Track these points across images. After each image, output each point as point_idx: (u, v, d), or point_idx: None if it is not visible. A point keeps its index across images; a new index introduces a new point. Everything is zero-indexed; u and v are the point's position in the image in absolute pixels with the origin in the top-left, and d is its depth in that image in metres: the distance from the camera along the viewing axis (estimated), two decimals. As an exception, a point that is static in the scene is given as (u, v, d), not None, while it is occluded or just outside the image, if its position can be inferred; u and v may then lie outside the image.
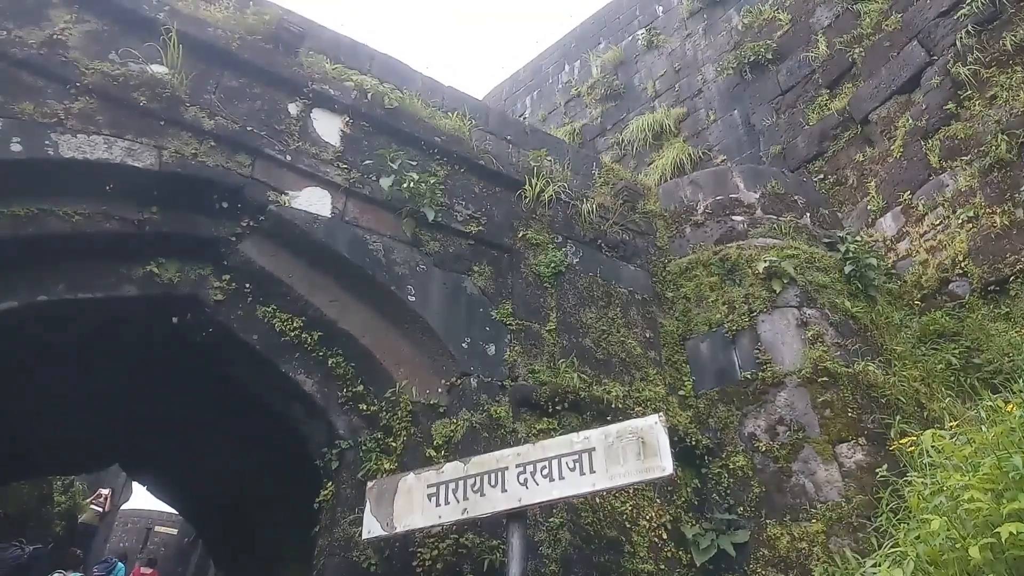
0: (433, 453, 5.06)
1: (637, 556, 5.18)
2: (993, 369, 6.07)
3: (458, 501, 4.11)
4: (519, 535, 3.95)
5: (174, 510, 13.47)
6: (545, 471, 3.99)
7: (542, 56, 16.36)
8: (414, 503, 4.24)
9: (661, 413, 4.10)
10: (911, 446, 4.27)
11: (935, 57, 8.62)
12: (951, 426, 4.27)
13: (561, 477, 3.95)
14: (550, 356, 5.92)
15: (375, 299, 5.62)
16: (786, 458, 5.60)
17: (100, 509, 15.20)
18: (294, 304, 5.54)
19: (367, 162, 5.88)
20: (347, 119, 6.03)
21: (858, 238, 7.29)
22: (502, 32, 49.07)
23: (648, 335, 6.65)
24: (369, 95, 6.15)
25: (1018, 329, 6.39)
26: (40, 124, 4.66)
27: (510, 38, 48.88)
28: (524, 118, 15.22)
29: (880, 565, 3.43)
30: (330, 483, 5.40)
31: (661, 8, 14.25)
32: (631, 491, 5.40)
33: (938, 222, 7.85)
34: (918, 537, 3.31)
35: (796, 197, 7.75)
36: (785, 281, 6.42)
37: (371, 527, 4.33)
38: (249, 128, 5.47)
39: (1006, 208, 7.16)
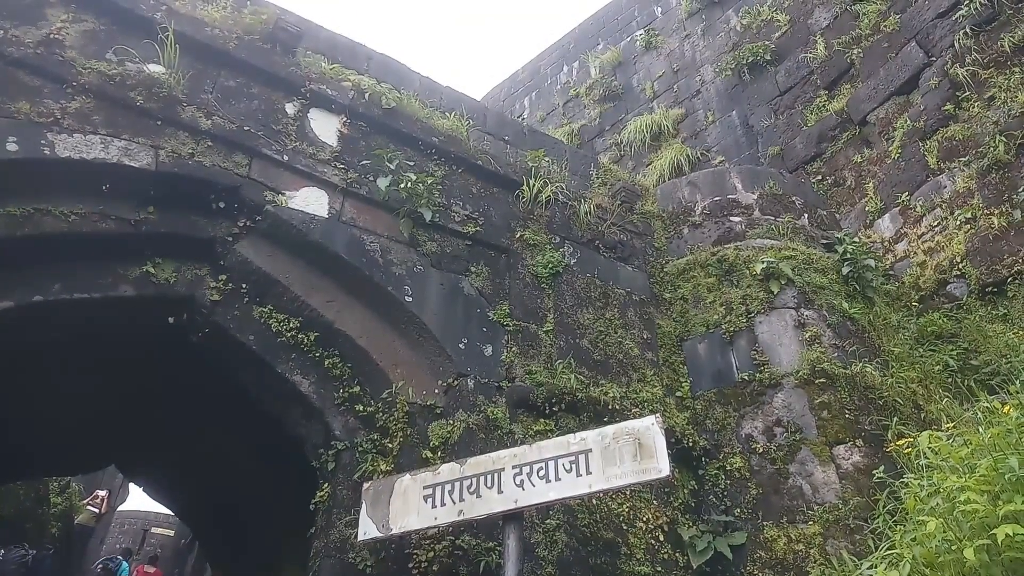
0: (429, 454, 5.06)
1: (634, 558, 5.18)
2: (991, 371, 6.06)
3: (454, 503, 4.10)
4: (515, 537, 3.93)
5: (170, 511, 13.47)
6: (542, 472, 3.98)
7: (540, 57, 16.36)
8: (410, 505, 4.23)
9: (658, 414, 4.09)
10: (908, 448, 4.27)
11: (933, 58, 8.62)
12: (948, 427, 4.27)
13: (558, 479, 3.94)
14: (547, 357, 5.92)
15: (372, 300, 5.61)
16: (783, 460, 5.59)
17: (96, 510, 15.20)
18: (291, 304, 5.53)
19: (364, 162, 5.87)
20: (344, 119, 6.02)
21: (856, 239, 7.29)
22: (501, 33, 49.11)
23: (646, 336, 6.65)
24: (366, 95, 6.14)
25: (1015, 331, 6.39)
26: (36, 123, 4.65)
27: (509, 39, 48.91)
28: (522, 119, 15.22)
29: (876, 567, 3.43)
30: (326, 484, 5.39)
31: (659, 9, 14.25)
32: (628, 493, 5.40)
33: (936, 223, 7.84)
34: (914, 539, 3.30)
35: (794, 198, 7.75)
36: (783, 282, 6.42)
37: (367, 528, 4.32)
38: (246, 128, 5.46)
39: (1004, 209, 7.16)
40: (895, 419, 5.43)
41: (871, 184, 8.79)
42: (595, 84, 14.34)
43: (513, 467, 4.07)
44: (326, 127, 5.90)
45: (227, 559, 10.55)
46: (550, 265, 6.44)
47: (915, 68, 8.81)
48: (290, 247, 5.51)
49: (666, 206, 7.89)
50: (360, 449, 5.28)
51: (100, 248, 5.06)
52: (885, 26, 9.44)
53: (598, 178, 7.83)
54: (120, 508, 20.26)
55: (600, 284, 6.72)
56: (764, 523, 5.44)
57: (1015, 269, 6.83)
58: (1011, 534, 2.74)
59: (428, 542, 4.69)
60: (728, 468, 5.82)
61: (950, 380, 6.23)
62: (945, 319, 6.99)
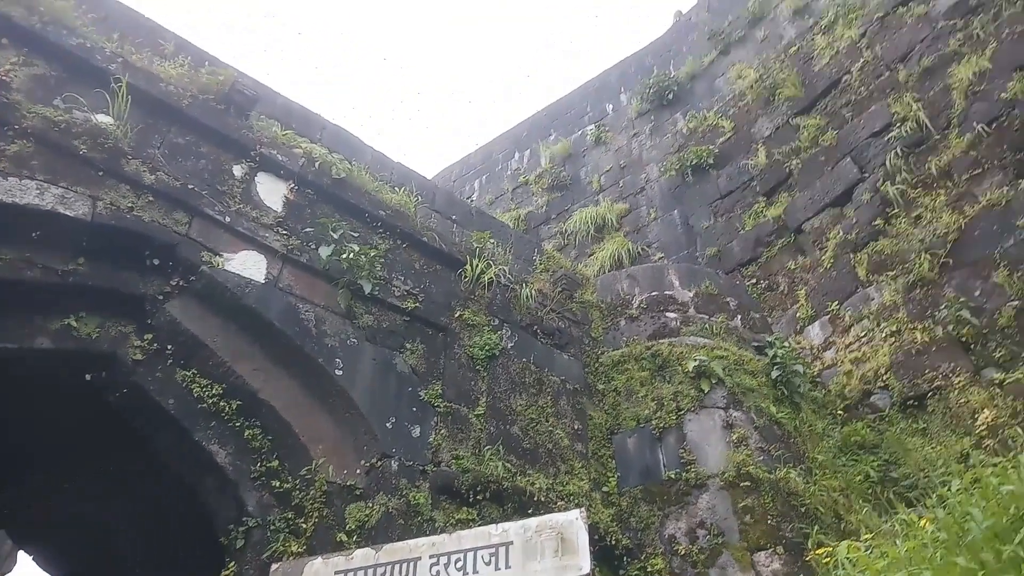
0: (345, 538, 4.87)
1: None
2: (909, 483, 6.20)
3: (366, 590, 3.95)
4: (427, 631, 3.79)
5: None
6: (459, 564, 3.87)
7: (493, 143, 16.72)
8: (320, 589, 4.06)
9: (583, 509, 4.04)
10: (827, 557, 4.29)
11: (867, 174, 9.08)
12: (867, 539, 4.31)
13: (475, 571, 3.83)
14: (476, 442, 5.84)
15: (301, 371, 5.49)
16: (704, 563, 5.55)
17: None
18: (216, 370, 5.36)
19: (308, 230, 5.82)
20: (292, 185, 5.99)
21: (786, 344, 7.48)
22: (460, 116, 50.17)
23: (576, 427, 6.63)
24: (317, 164, 6.14)
25: (934, 445, 6.57)
26: (-32, 164, 4.51)
27: (467, 122, 49.96)
28: (472, 200, 15.42)
29: None
30: (232, 563, 5.13)
31: (611, 107, 14.76)
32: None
33: (863, 334, 8.11)
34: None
35: (729, 299, 7.95)
36: (713, 381, 6.51)
37: (273, 612, 4.12)
38: (191, 186, 5.38)
39: (927, 325, 7.45)
40: (816, 527, 5.47)
41: (803, 291, 9.09)
42: (545, 173, 14.67)
43: (430, 556, 3.95)
44: (272, 192, 5.86)
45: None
46: (487, 347, 6.42)
47: (849, 182, 9.26)
48: (222, 310, 5.38)
49: (605, 297, 8.00)
50: (272, 528, 5.06)
51: (22, 296, 4.87)
52: (823, 140, 9.93)
53: (541, 264, 7.91)
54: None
55: (535, 370, 6.71)
56: (683, 627, 5.36)
57: (935, 384, 7.08)
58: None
59: (336, 630, 4.48)
60: (649, 569, 5.74)
61: (871, 491, 6.34)
62: (868, 430, 7.16)
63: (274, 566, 4.37)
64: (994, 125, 7.87)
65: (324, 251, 5.73)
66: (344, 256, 5.76)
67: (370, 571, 4.00)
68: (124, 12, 6.17)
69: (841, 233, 9.02)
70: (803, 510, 5.74)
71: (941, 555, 3.23)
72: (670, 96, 13.40)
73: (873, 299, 8.23)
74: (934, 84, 8.82)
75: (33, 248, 4.83)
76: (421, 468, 5.43)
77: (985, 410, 6.47)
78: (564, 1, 49.72)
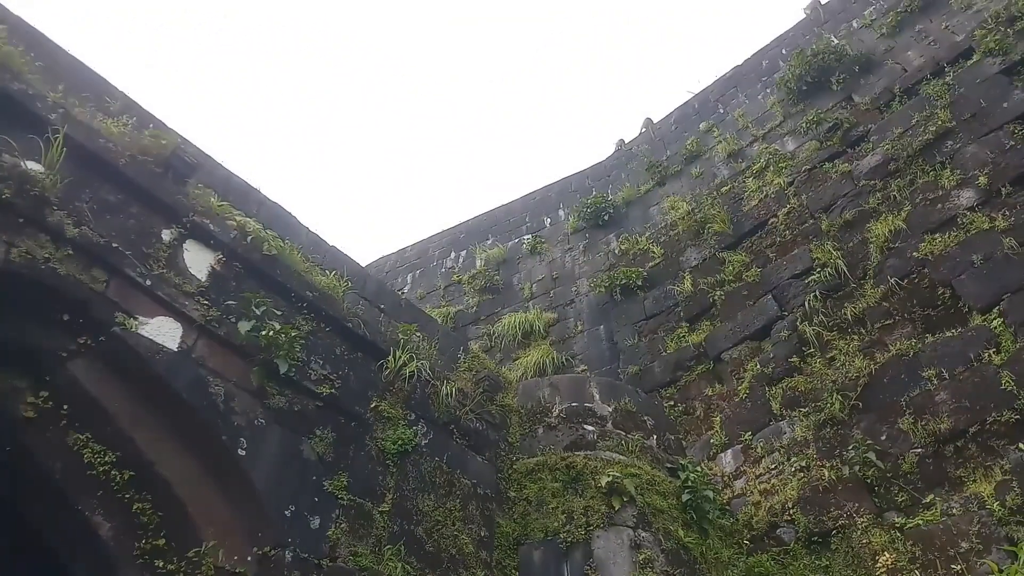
0: (226, 629, 4.55)
1: None
2: (809, 622, 6.16)
3: None
4: None
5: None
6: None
7: (431, 239, 16.87)
8: None
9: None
10: None
11: (786, 313, 9.42)
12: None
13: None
14: (377, 540, 5.60)
15: (203, 447, 5.23)
16: None
17: None
18: (112, 437, 5.07)
19: (230, 303, 5.68)
20: (220, 256, 5.87)
21: (699, 469, 7.51)
22: (399, 210, 50.80)
23: (483, 534, 6.44)
24: (249, 238, 6.07)
25: (835, 584, 6.59)
26: None
27: (406, 216, 50.58)
28: (403, 292, 15.39)
29: None
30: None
31: (549, 220, 15.15)
32: None
33: (773, 467, 8.21)
34: None
35: (646, 418, 8.00)
36: (625, 499, 6.46)
37: None
38: (115, 245, 5.22)
39: (835, 464, 7.60)
40: (715, 659, 5.35)
41: (719, 418, 9.21)
42: (479, 274, 14.80)
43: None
44: (199, 261, 5.73)
45: None
46: (400, 442, 6.26)
47: (769, 319, 9.57)
48: (129, 375, 5.14)
49: (526, 403, 7.96)
50: (148, 613, 4.70)
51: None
52: (747, 276, 10.31)
53: (465, 363, 7.86)
54: None
55: (448, 471, 6.56)
56: None
57: (839, 523, 7.16)
58: None
59: None
60: None
61: (771, 626, 6.28)
62: (772, 562, 7.15)
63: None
64: (906, 280, 8.32)
65: (244, 326, 5.59)
66: (264, 333, 5.62)
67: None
68: (73, 65, 6.13)
69: (758, 366, 9.25)
70: (704, 641, 5.63)
71: None
72: (606, 217, 13.83)
73: (785, 433, 8.38)
74: (853, 236, 9.32)
75: (-69, 290, 4.58)
76: (316, 562, 5.16)
77: (885, 553, 6.55)
78: (518, 117, 51.68)
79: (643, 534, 6.31)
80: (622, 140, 15.65)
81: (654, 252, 12.22)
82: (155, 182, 5.68)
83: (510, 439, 7.49)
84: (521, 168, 48.48)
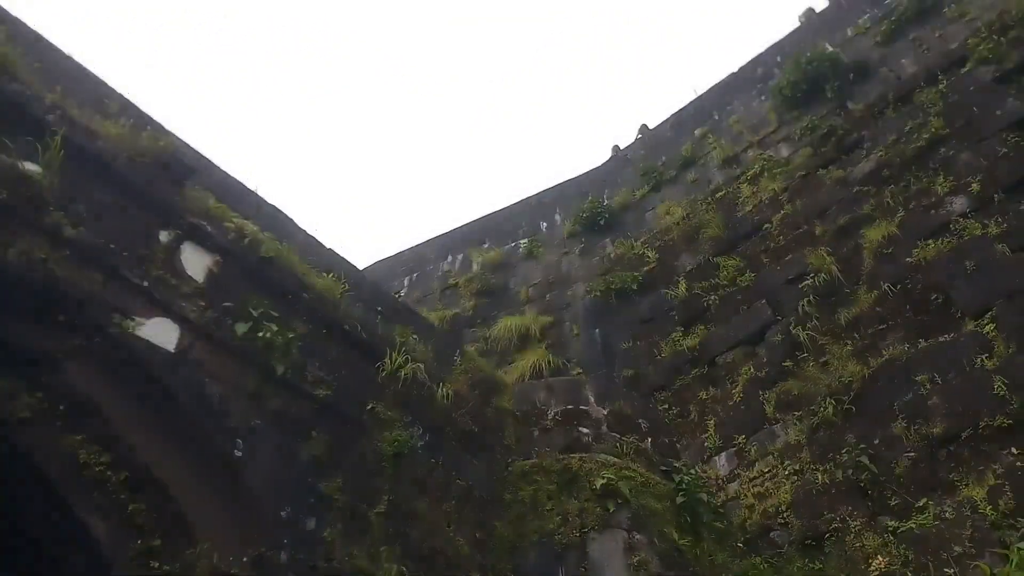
0: (221, 630, 4.56)
1: None
2: (803, 624, 6.19)
3: None
4: None
5: None
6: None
7: (428, 243, 16.88)
8: None
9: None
10: None
11: (780, 317, 9.46)
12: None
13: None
14: (373, 542, 5.61)
15: (199, 448, 5.24)
16: None
17: None
18: (108, 438, 5.07)
19: (227, 304, 5.69)
20: (217, 258, 5.89)
21: (693, 471, 7.54)
22: (397, 212, 50.83)
23: (478, 536, 6.46)
24: (246, 240, 6.08)
25: (828, 587, 6.62)
26: None
27: (403, 219, 50.64)
28: (400, 295, 15.39)
29: None
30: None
31: (545, 225, 15.18)
32: None
33: (767, 470, 8.24)
34: None
35: (641, 421, 8.03)
36: (619, 501, 6.48)
37: None
38: (112, 246, 5.23)
39: (828, 468, 7.63)
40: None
41: (713, 421, 9.24)
42: (475, 278, 14.81)
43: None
44: (196, 262, 5.75)
45: None
46: (396, 444, 6.28)
47: (763, 323, 9.61)
48: (125, 376, 5.15)
49: (521, 406, 7.98)
50: (143, 613, 4.70)
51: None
52: (741, 281, 10.35)
53: (462, 365, 7.88)
54: None
55: (443, 473, 6.57)
56: None
57: (833, 526, 7.19)
58: None
59: None
60: None
61: (765, 629, 6.30)
62: (766, 565, 7.17)
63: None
64: (899, 286, 8.35)
65: (240, 328, 5.60)
66: (260, 335, 5.64)
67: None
68: (71, 66, 6.15)
69: (752, 370, 9.28)
70: (698, 643, 5.65)
71: None
72: (601, 222, 13.86)
73: (779, 437, 8.41)
74: (847, 242, 9.36)
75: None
76: (312, 564, 5.18)
77: (879, 556, 6.58)
78: (514, 121, 51.78)
79: (637, 536, 6.33)
80: (617, 146, 15.70)
81: (649, 257, 12.25)
82: (152, 184, 5.69)
83: (506, 441, 7.51)
84: (518, 172, 48.57)
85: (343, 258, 7.79)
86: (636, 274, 12.03)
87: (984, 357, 7.07)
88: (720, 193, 12.12)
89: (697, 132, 13.64)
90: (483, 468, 7.04)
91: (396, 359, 6.71)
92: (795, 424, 8.27)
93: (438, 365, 7.40)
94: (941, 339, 7.59)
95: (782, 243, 10.26)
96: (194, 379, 5.31)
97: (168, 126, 6.63)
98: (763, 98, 12.80)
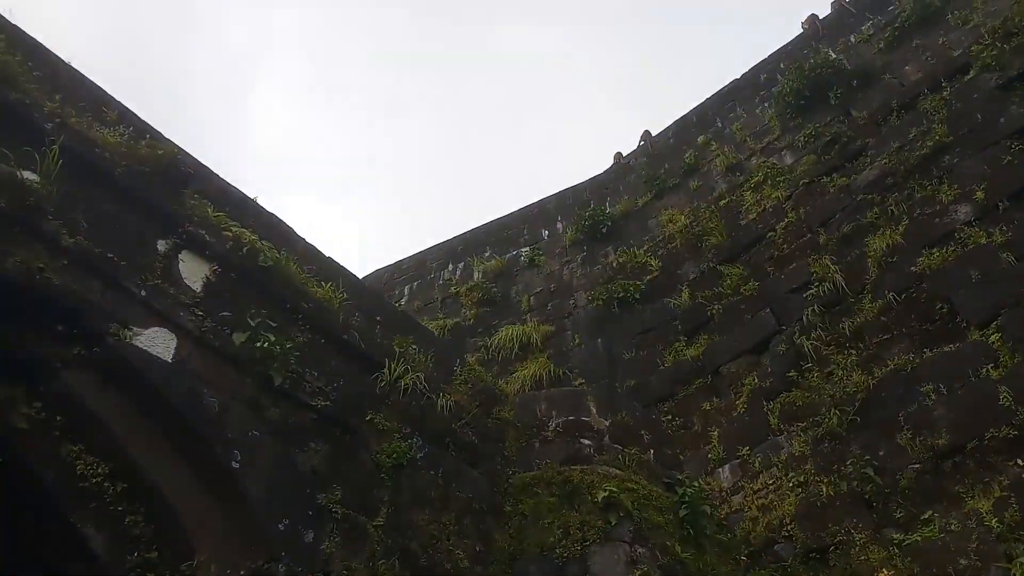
0: (217, 645, 4.50)
1: None
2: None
3: None
4: None
5: None
6: None
7: (428, 251, 16.85)
8: None
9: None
10: None
11: (784, 327, 9.40)
12: None
13: None
14: (371, 554, 5.55)
15: (197, 459, 5.18)
16: None
17: None
18: (106, 448, 5.02)
19: (225, 314, 5.65)
20: (216, 267, 5.84)
21: (696, 484, 7.47)
22: (397, 221, 50.89)
23: (478, 548, 6.39)
24: (245, 248, 6.03)
25: (833, 600, 6.55)
26: None
27: (403, 227, 50.68)
28: (401, 304, 15.36)
29: None
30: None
31: (547, 233, 15.14)
32: None
33: (771, 482, 8.18)
34: None
35: (643, 432, 7.97)
36: (621, 514, 6.42)
37: None
38: (110, 255, 5.19)
39: (833, 479, 7.57)
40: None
41: (716, 433, 9.18)
42: (476, 287, 14.77)
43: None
44: (194, 271, 5.71)
45: None
46: (396, 455, 6.22)
47: (768, 333, 9.56)
48: (123, 386, 5.10)
49: (522, 416, 7.92)
50: (139, 627, 4.64)
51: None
52: (745, 290, 10.30)
53: (462, 375, 7.82)
54: None
55: (443, 485, 6.51)
56: None
57: (837, 539, 7.13)
58: None
59: None
60: None
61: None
62: (769, 579, 7.10)
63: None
64: (904, 296, 8.31)
65: (238, 337, 5.55)
66: (258, 345, 5.59)
67: None
68: (71, 75, 6.12)
69: (756, 380, 9.23)
70: (701, 658, 5.58)
71: None
72: (604, 230, 13.82)
73: (783, 448, 8.35)
74: (851, 251, 9.31)
75: (-73, 296, 4.55)
76: (309, 576, 5.11)
77: (883, 569, 6.51)
78: (516, 130, 51.85)
79: (640, 549, 6.26)
80: (620, 153, 15.66)
81: (652, 265, 12.21)
82: (151, 192, 5.66)
83: (506, 453, 7.45)
84: (519, 181, 48.61)
85: (343, 267, 7.74)
86: (639, 283, 11.99)
87: (989, 367, 7.02)
88: (723, 201, 12.08)
89: (700, 139, 13.62)
90: (483, 480, 6.97)
91: (395, 369, 6.66)
92: (799, 435, 8.21)
93: (438, 375, 7.34)
94: (946, 349, 7.54)
95: (786, 252, 10.21)
96: (192, 389, 5.26)
97: (167, 134, 6.59)
98: (766, 105, 12.77)
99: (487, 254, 15.64)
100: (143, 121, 6.45)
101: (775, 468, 8.20)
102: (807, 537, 7.33)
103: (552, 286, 13.89)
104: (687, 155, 13.48)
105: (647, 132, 15.32)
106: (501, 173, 51.57)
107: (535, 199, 16.18)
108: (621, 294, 11.92)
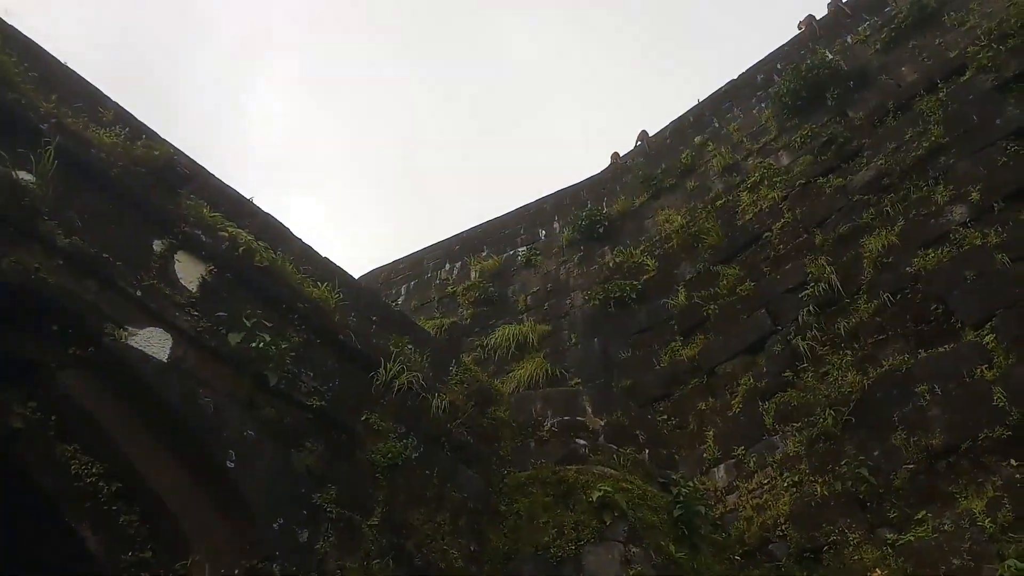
0: (212, 644, 4.52)
1: None
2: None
3: None
4: None
5: None
6: None
7: (426, 250, 16.86)
8: None
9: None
10: None
11: (779, 327, 9.42)
12: None
13: None
14: (366, 554, 5.56)
15: (192, 459, 5.19)
16: None
17: None
18: (101, 448, 5.04)
19: (221, 314, 5.66)
20: (212, 268, 5.85)
21: (691, 483, 7.49)
22: (395, 224, 50.90)
23: (473, 548, 6.41)
24: (240, 249, 6.05)
25: (826, 600, 6.56)
26: None
27: (404, 231, 50.68)
28: (398, 304, 15.37)
29: None
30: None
31: (544, 232, 15.16)
32: None
33: (766, 482, 8.20)
34: None
35: (638, 432, 7.99)
36: (616, 514, 6.44)
37: None
38: (105, 255, 5.20)
39: (827, 479, 7.59)
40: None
41: (712, 432, 9.19)
42: (473, 286, 14.78)
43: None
44: (190, 271, 5.71)
45: None
46: (391, 455, 6.23)
47: (763, 333, 9.57)
48: (118, 386, 5.11)
49: (518, 416, 7.95)
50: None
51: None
52: (741, 290, 10.31)
53: (457, 375, 7.84)
54: None
55: (438, 484, 6.52)
56: None
57: (831, 539, 7.14)
58: None
59: None
60: None
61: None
62: (764, 578, 7.12)
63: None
64: (899, 296, 8.32)
65: (234, 337, 5.57)
66: (254, 344, 5.60)
67: None
68: (67, 75, 6.13)
69: (752, 380, 9.24)
70: (694, 657, 5.60)
71: None
72: (601, 230, 13.84)
73: (778, 448, 8.37)
74: (847, 251, 9.32)
75: (-79, 297, 4.56)
76: (304, 576, 5.13)
77: (877, 569, 6.53)
78: (514, 129, 51.84)
79: (634, 549, 6.28)
80: (617, 153, 15.69)
81: (648, 265, 12.22)
82: (147, 192, 5.67)
83: (502, 453, 7.47)
84: (517, 180, 48.62)
85: (339, 267, 7.75)
86: (635, 283, 12.01)
87: (984, 368, 7.03)
88: (720, 201, 12.10)
89: (697, 140, 13.65)
90: (478, 479, 6.99)
91: (391, 369, 6.67)
92: (794, 435, 8.22)
93: (434, 375, 7.35)
94: (941, 349, 7.56)
95: (782, 252, 10.22)
96: (187, 389, 5.27)
97: (163, 130, 6.59)
98: (763, 106, 12.80)
99: (484, 253, 15.65)
100: (139, 121, 6.46)
101: (770, 468, 8.22)
102: (801, 537, 7.35)
103: (549, 286, 13.90)
104: (684, 155, 13.50)
105: (644, 132, 15.35)
106: (499, 172, 51.58)
107: (533, 199, 16.23)
108: (617, 294, 11.94)
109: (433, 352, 7.70)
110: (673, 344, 10.67)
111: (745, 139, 12.63)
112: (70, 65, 6.23)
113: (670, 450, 8.86)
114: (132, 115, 6.42)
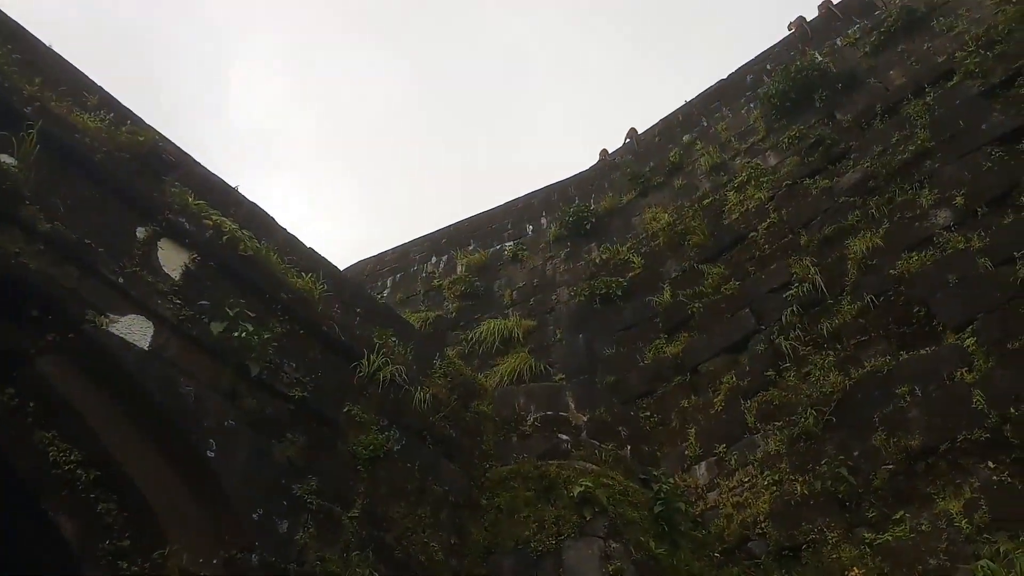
0: (189, 634, 4.50)
1: None
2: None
3: None
4: None
5: None
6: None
7: (412, 243, 16.80)
8: None
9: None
10: None
11: (763, 326, 9.45)
12: None
13: None
14: (346, 546, 5.56)
15: (172, 448, 5.17)
16: None
17: None
18: (79, 436, 5.00)
19: (203, 303, 5.63)
20: (195, 256, 5.82)
21: (671, 480, 7.52)
22: (382, 216, 50.75)
23: (453, 541, 6.41)
24: (224, 238, 6.01)
25: (804, 598, 6.60)
26: None
27: (390, 223, 50.55)
28: (383, 296, 15.32)
29: None
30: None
31: (531, 228, 15.14)
32: None
33: (747, 480, 8.23)
34: None
35: (621, 428, 8.01)
36: (596, 509, 6.45)
37: None
38: (87, 241, 5.16)
39: (807, 478, 7.62)
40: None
41: (694, 430, 9.21)
42: (459, 280, 14.74)
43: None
44: (173, 259, 5.68)
45: None
46: (372, 447, 6.22)
47: (747, 332, 9.59)
48: (98, 373, 5.07)
49: (501, 410, 7.94)
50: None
51: None
52: (725, 289, 10.34)
53: (440, 369, 7.83)
54: None
55: (419, 477, 6.52)
56: None
57: (810, 537, 7.18)
58: None
59: None
60: None
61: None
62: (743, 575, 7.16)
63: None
64: (882, 298, 8.36)
65: (216, 326, 5.54)
66: (236, 334, 5.58)
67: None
68: (52, 59, 6.07)
69: (735, 379, 9.27)
70: (671, 653, 5.63)
71: None
72: (588, 226, 13.83)
73: (759, 446, 8.40)
74: (832, 252, 9.36)
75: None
76: (283, 567, 5.11)
77: (855, 568, 6.57)
78: (502, 124, 51.80)
79: (614, 545, 6.30)
80: (606, 150, 15.68)
81: (634, 262, 12.24)
82: (131, 179, 5.63)
83: (484, 447, 7.47)
84: (505, 175, 48.57)
85: (323, 258, 7.72)
86: (621, 280, 12.01)
87: (964, 371, 7.09)
88: (707, 200, 12.12)
89: (685, 138, 13.66)
90: (460, 473, 6.99)
91: (375, 361, 6.66)
92: (776, 434, 8.26)
93: (418, 368, 7.34)
94: (922, 352, 7.60)
95: (767, 252, 10.26)
96: (168, 377, 5.24)
97: (144, 112, 6.54)
98: (752, 106, 12.82)
99: (471, 247, 15.61)
100: (124, 107, 6.40)
101: (751, 466, 8.25)
102: (780, 535, 7.39)
103: (535, 281, 13.88)
104: (672, 154, 13.51)
105: (633, 130, 15.35)
106: (486, 167, 51.50)
107: (521, 193, 16.19)
108: (603, 290, 11.95)
109: (417, 345, 7.68)
110: (657, 341, 10.69)
111: (733, 139, 12.66)
112: (54, 48, 6.18)
113: (652, 447, 8.89)
114: (117, 100, 6.37)
